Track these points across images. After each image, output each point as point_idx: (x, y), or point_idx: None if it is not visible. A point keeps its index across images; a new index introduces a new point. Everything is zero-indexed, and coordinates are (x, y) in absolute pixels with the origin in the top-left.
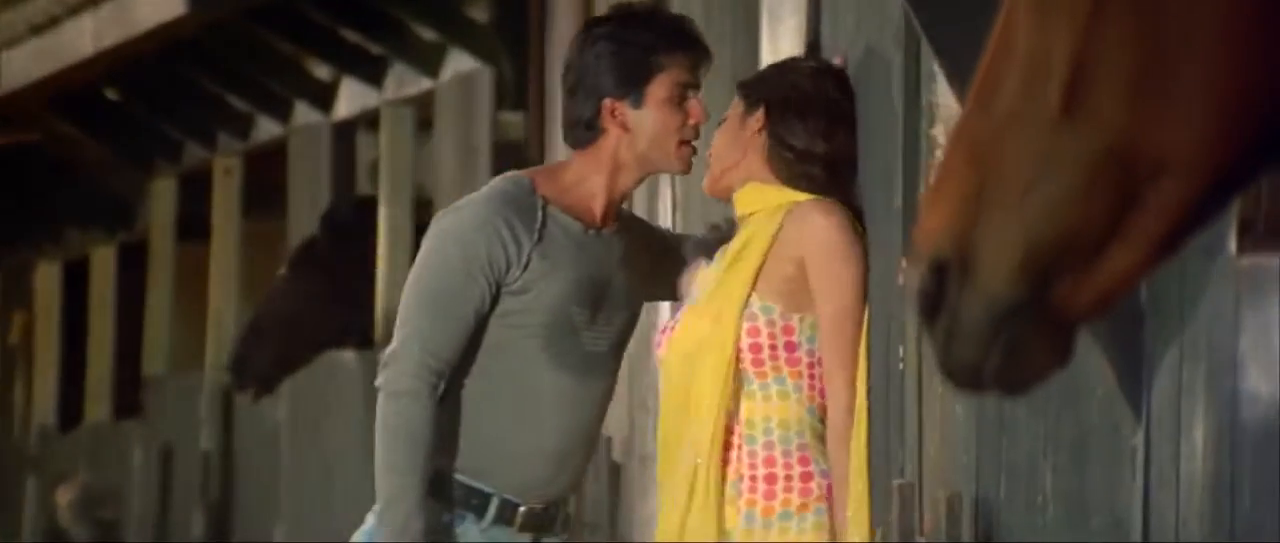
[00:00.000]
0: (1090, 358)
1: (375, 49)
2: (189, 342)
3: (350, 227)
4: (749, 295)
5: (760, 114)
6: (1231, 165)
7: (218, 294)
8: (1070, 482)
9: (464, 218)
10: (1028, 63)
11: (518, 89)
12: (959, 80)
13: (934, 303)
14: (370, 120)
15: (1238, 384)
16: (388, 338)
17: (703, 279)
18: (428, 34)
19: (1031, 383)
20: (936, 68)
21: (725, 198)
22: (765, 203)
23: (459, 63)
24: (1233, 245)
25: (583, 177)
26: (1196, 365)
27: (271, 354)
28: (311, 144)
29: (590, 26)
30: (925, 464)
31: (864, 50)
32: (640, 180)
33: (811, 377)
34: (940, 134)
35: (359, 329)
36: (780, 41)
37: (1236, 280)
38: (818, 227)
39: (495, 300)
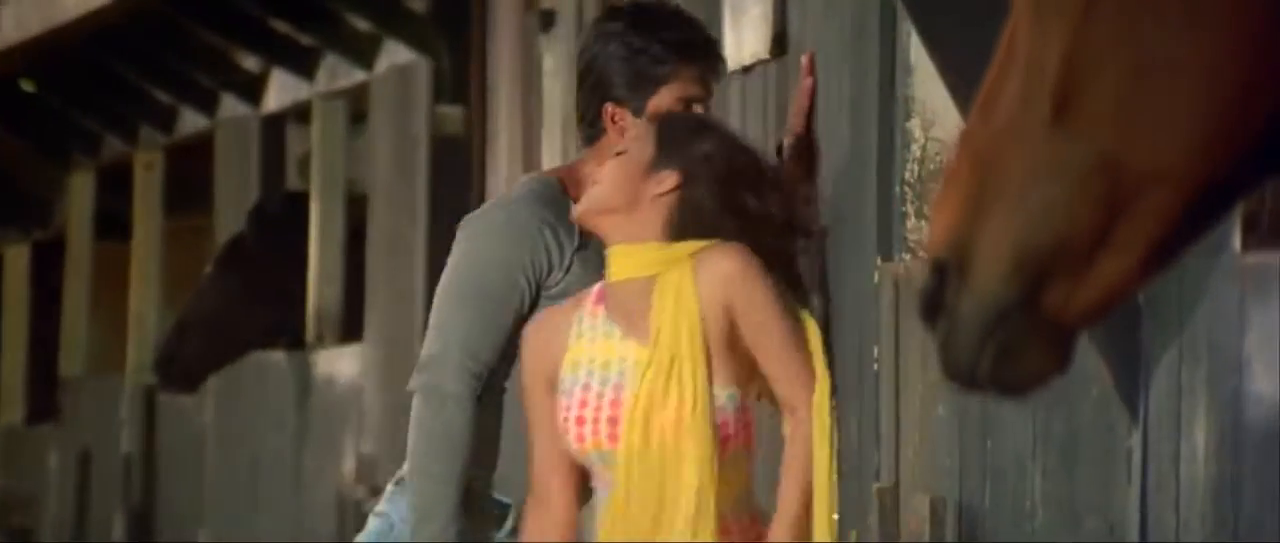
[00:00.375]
0: (1082, 357)
1: (306, 40)
2: (108, 343)
3: (280, 223)
4: (711, 377)
5: (670, 178)
6: (1225, 176)
7: (138, 294)
8: (1061, 485)
9: (504, 219)
10: (1026, 69)
11: (456, 81)
12: (952, 73)
13: (933, 304)
14: (301, 113)
15: (1242, 385)
16: (319, 337)
17: (612, 352)
18: (362, 24)
19: (1028, 386)
20: (913, 59)
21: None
22: (661, 263)
23: (394, 54)
24: (1237, 243)
25: (593, 176)
26: (1197, 365)
27: (197, 354)
28: (239, 138)
29: (607, 19)
30: (904, 467)
31: (834, 41)
32: None
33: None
34: (917, 128)
35: (289, 329)
36: (744, 32)
37: (1241, 279)
38: (733, 269)
39: (534, 304)
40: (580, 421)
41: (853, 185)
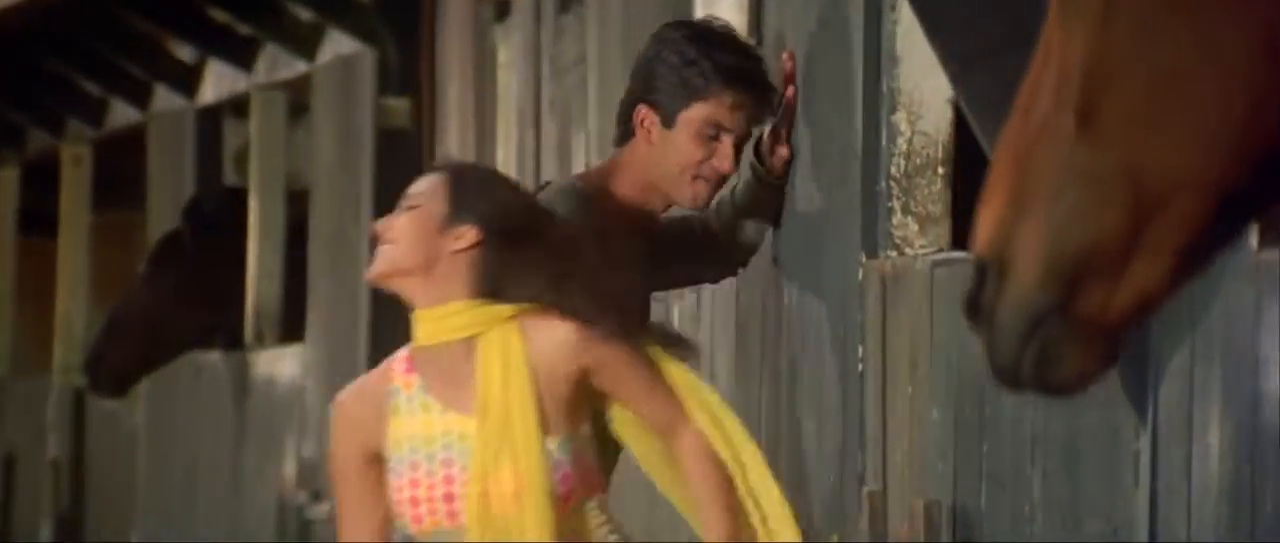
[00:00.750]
0: None
1: (244, 28)
2: (35, 343)
3: (216, 219)
4: (543, 439)
5: (467, 234)
6: (1248, 181)
7: (66, 293)
8: (1061, 488)
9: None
10: (1057, 71)
11: (403, 72)
12: (955, 63)
13: (975, 306)
14: (238, 106)
15: (1259, 385)
16: (258, 337)
17: (433, 427)
18: (303, 13)
19: (1073, 386)
20: (900, 50)
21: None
22: (477, 324)
23: (338, 44)
24: (1254, 241)
25: (618, 188)
26: (1211, 365)
27: (128, 355)
28: (173, 131)
29: (673, 26)
30: (893, 470)
31: (816, 30)
32: (666, 208)
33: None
34: (903, 121)
35: (226, 329)
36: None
37: (1257, 277)
38: (571, 336)
39: None
40: (414, 501)
41: (836, 180)
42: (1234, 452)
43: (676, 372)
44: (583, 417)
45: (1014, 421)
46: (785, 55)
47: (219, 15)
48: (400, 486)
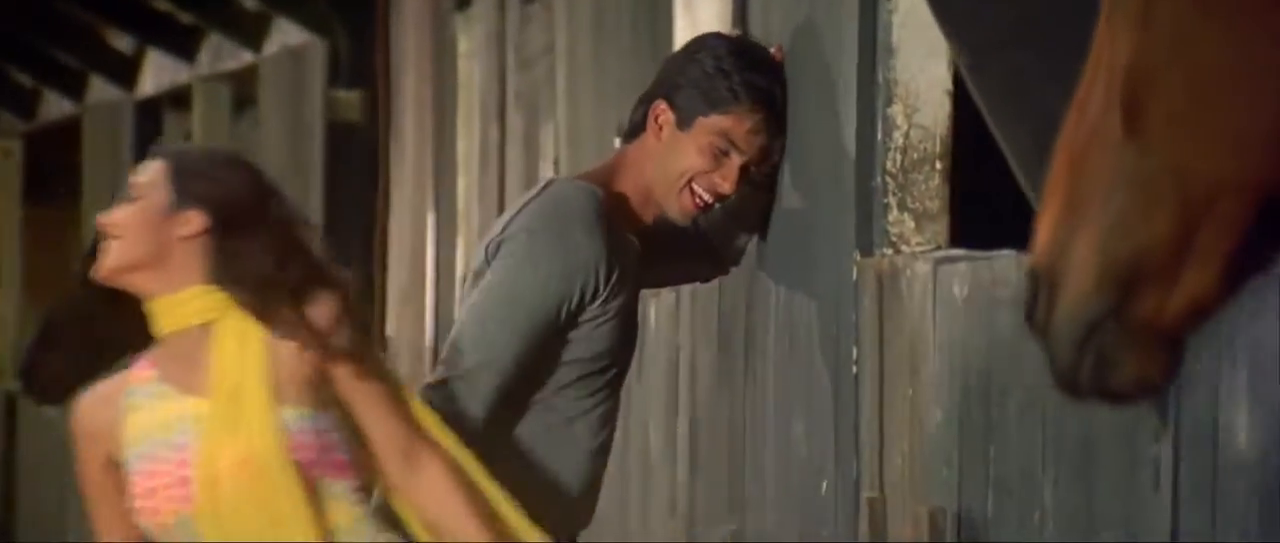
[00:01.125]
0: None
1: (187, 17)
2: None
3: None
4: (277, 408)
5: (193, 219)
6: None
7: None
8: (1074, 495)
9: (563, 237)
10: (1106, 71)
11: (354, 63)
12: (969, 55)
13: (1031, 315)
14: (180, 98)
15: None
16: None
17: (170, 412)
18: (249, 1)
19: (1133, 393)
20: (896, 40)
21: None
22: (216, 308)
23: (286, 34)
24: None
25: (621, 188)
26: (1237, 368)
27: (66, 361)
28: (110, 124)
29: (717, 36)
30: (891, 476)
31: (806, 20)
32: (655, 218)
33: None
34: (899, 114)
35: None
36: (699, 13)
37: None
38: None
39: (565, 329)
40: (151, 493)
41: (829, 176)
42: (1263, 460)
43: (410, 396)
44: (330, 400)
45: (1024, 425)
46: (774, 48)
47: (159, 3)
48: (138, 482)
